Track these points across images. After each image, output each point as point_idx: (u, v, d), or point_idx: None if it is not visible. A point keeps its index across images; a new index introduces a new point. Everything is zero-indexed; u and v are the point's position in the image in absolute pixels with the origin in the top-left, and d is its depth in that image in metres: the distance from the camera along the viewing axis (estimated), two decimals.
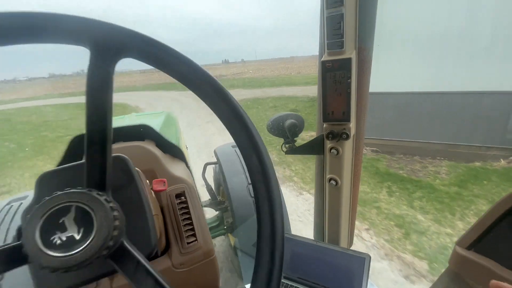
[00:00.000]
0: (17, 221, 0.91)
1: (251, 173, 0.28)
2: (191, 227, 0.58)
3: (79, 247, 0.23)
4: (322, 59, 0.63)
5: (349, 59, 0.59)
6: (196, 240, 0.57)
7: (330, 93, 0.63)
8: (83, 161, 0.34)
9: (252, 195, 1.28)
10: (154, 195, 0.51)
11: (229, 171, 1.35)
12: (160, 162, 0.66)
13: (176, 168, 0.70)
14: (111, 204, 0.25)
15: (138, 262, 0.26)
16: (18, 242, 0.24)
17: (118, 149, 0.66)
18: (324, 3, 0.61)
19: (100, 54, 0.26)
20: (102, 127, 0.27)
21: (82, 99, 0.27)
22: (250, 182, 1.37)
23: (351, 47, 0.62)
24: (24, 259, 0.24)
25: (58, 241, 0.23)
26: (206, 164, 1.67)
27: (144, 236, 0.33)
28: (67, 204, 0.24)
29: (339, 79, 0.61)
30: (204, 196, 1.81)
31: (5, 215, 0.94)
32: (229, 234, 1.77)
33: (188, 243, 0.56)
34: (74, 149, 0.70)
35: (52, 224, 0.24)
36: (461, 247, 0.45)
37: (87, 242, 0.23)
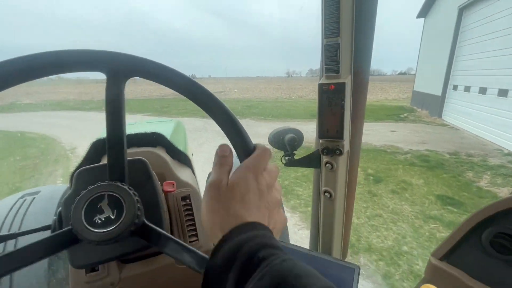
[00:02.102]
0: (31, 214, 0.96)
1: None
2: (193, 227, 0.64)
3: (115, 224, 0.30)
4: (320, 81, 0.70)
5: (343, 84, 0.65)
6: (197, 239, 0.63)
7: (326, 113, 0.70)
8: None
9: None
10: (163, 196, 0.57)
11: None
12: (170, 167, 0.73)
13: (183, 173, 0.77)
14: (133, 191, 0.32)
15: (159, 233, 0.33)
16: (68, 228, 0.31)
17: (132, 153, 0.73)
18: (323, 33, 0.68)
19: (113, 77, 0.34)
20: (119, 132, 0.34)
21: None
22: None
23: (346, 72, 0.69)
24: (74, 240, 0.31)
25: (99, 221, 0.30)
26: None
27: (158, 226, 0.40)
28: (101, 193, 0.32)
29: (334, 100, 0.68)
30: None
31: (19, 208, 1.00)
32: None
33: (190, 242, 0.62)
34: (94, 151, 0.78)
35: (92, 209, 0.31)
36: (435, 258, 0.49)
37: (120, 220, 0.31)
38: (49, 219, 0.48)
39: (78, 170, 0.44)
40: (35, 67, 0.30)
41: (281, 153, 0.94)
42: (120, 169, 0.34)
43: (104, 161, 0.76)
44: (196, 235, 0.64)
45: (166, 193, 0.59)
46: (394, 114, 10.17)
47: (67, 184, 1.04)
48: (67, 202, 0.41)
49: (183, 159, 0.87)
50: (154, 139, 0.80)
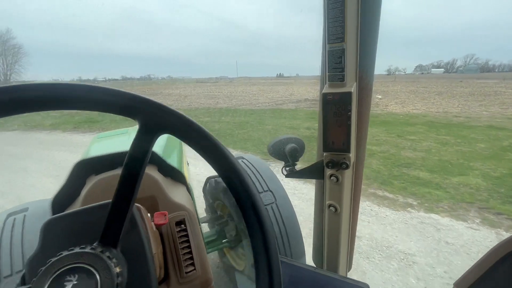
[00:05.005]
0: (19, 234, 0.87)
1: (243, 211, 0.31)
2: (190, 255, 0.58)
3: None
4: (323, 91, 0.64)
5: (350, 93, 0.60)
6: (194, 269, 0.57)
7: (331, 124, 0.64)
8: (88, 206, 0.35)
9: (264, 202, 1.29)
10: (155, 228, 0.51)
11: None
12: (161, 188, 0.67)
13: (177, 193, 0.71)
14: (114, 260, 0.26)
15: None
16: None
17: (119, 175, 0.66)
18: (326, 38, 0.63)
19: (145, 129, 0.30)
20: (130, 191, 0.30)
21: None
22: (259, 191, 1.38)
23: (352, 80, 0.63)
24: None
25: None
26: (209, 178, 1.66)
27: (144, 283, 0.33)
28: (72, 266, 0.25)
29: (339, 111, 0.62)
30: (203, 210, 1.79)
31: (10, 229, 0.90)
32: (225, 250, 1.75)
33: (186, 272, 0.56)
34: (77, 173, 0.71)
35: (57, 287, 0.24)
36: None
37: None
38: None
39: (48, 220, 0.37)
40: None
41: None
42: (116, 234, 0.29)
43: (89, 184, 0.70)
44: (193, 263, 0.58)
45: (158, 226, 0.53)
46: None
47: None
48: (33, 262, 0.34)
49: (177, 176, 0.81)
50: None
